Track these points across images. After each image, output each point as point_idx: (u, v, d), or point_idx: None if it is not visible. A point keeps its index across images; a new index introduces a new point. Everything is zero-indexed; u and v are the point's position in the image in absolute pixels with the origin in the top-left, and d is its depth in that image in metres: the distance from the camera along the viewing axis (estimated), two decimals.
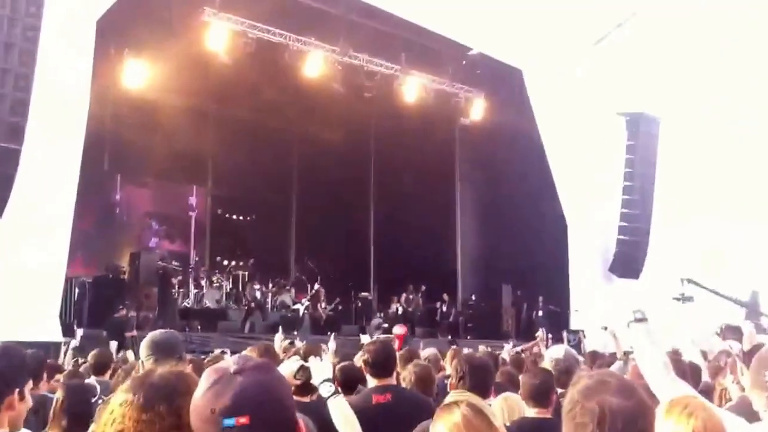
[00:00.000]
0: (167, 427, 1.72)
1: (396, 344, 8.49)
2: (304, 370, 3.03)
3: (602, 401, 1.66)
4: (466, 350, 7.98)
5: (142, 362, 3.29)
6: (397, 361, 5.05)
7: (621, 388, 1.71)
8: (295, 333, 13.41)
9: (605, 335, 6.96)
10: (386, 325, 16.24)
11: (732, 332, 6.05)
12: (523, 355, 8.86)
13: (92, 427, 2.85)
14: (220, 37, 15.71)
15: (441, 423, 2.42)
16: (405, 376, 4.54)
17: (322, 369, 3.15)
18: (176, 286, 16.15)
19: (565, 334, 12.07)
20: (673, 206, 17.76)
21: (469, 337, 17.65)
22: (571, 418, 1.69)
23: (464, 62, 19.10)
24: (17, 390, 2.31)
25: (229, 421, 1.37)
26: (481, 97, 19.49)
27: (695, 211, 17.13)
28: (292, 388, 2.99)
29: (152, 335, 3.32)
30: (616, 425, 1.62)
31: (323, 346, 7.44)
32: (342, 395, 3.15)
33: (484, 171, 21.08)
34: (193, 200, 22.45)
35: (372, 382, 4.38)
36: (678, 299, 17.00)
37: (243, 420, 1.37)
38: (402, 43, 18.02)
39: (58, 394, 4.30)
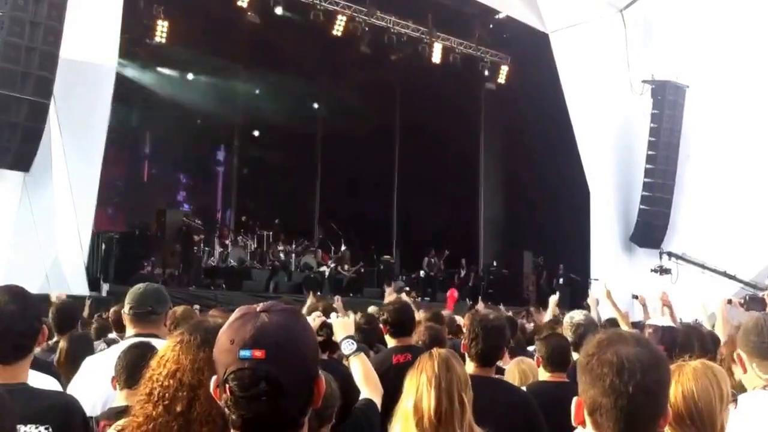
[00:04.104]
0: None
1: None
2: (326, 327, 3.06)
3: (619, 351, 1.65)
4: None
5: (123, 311, 3.43)
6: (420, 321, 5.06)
7: (636, 339, 1.71)
8: (319, 294, 13.49)
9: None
10: (408, 289, 16.26)
11: (756, 303, 6.01)
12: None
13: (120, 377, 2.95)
14: None
15: None
16: (417, 338, 4.53)
17: (345, 326, 3.13)
18: (200, 244, 16.26)
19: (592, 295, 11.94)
20: (697, 177, 17.50)
21: (489, 303, 17.66)
22: (589, 371, 1.67)
23: (491, 26, 18.86)
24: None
25: (245, 353, 1.39)
26: (507, 61, 19.29)
27: (719, 184, 16.80)
28: None
29: (135, 288, 3.47)
30: (635, 374, 1.61)
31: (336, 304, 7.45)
32: (363, 353, 3.12)
33: (508, 136, 20.93)
34: (221, 155, 22.63)
35: (391, 342, 4.39)
36: (655, 271, 16.81)
37: (258, 354, 1.38)
38: (429, 5, 17.80)
39: (62, 345, 4.38)
